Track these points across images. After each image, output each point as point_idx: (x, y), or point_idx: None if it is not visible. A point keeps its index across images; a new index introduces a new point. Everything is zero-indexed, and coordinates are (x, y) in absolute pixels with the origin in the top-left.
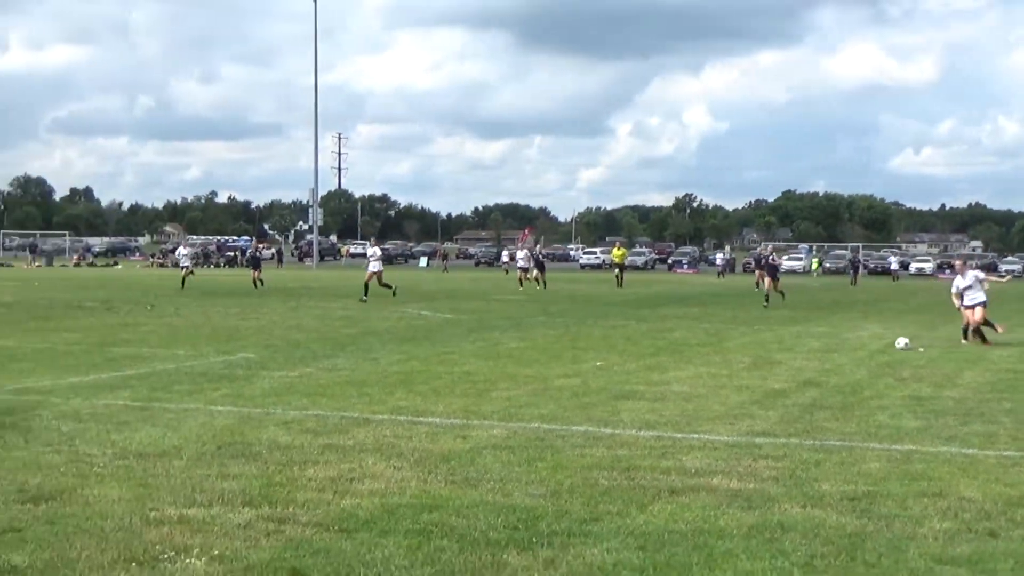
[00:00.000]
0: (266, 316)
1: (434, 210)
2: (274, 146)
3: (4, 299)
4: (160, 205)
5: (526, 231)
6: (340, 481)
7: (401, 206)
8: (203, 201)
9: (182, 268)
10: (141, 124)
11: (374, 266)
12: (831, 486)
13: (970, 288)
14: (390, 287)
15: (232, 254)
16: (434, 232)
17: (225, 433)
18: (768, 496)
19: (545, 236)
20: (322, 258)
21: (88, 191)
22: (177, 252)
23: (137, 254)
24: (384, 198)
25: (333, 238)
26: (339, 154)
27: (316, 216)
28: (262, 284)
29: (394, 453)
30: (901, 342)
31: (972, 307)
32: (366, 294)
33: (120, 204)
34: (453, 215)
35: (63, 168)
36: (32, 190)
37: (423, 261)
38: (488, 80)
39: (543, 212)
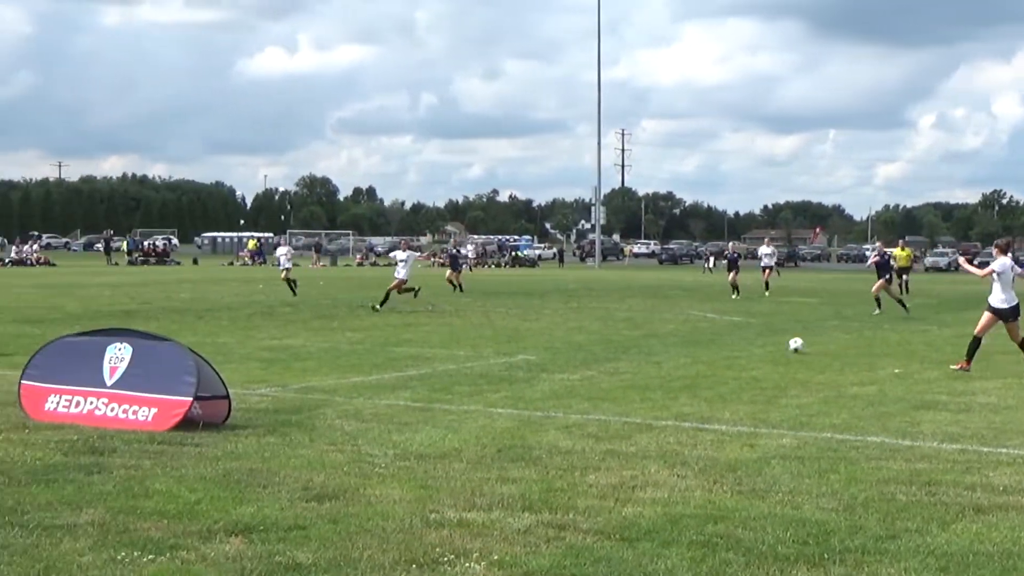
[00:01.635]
0: (547, 317)
1: (720, 208)
2: (556, 143)
3: (289, 299)
4: (442, 204)
5: (817, 230)
6: (622, 488)
7: (686, 204)
8: (484, 200)
9: (282, 270)
10: (424, 122)
11: (401, 272)
12: None
13: (1001, 276)
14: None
15: (515, 253)
16: (720, 231)
17: (505, 436)
18: None
19: (839, 235)
20: (604, 258)
21: (371, 190)
22: (277, 252)
23: (419, 253)
24: (669, 196)
25: (616, 237)
26: (622, 151)
27: (598, 214)
28: (460, 289)
29: (678, 461)
30: (795, 343)
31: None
32: (382, 303)
33: (402, 203)
34: (741, 213)
35: (348, 167)
36: (317, 189)
37: (710, 261)
38: (779, 72)
39: (837, 210)
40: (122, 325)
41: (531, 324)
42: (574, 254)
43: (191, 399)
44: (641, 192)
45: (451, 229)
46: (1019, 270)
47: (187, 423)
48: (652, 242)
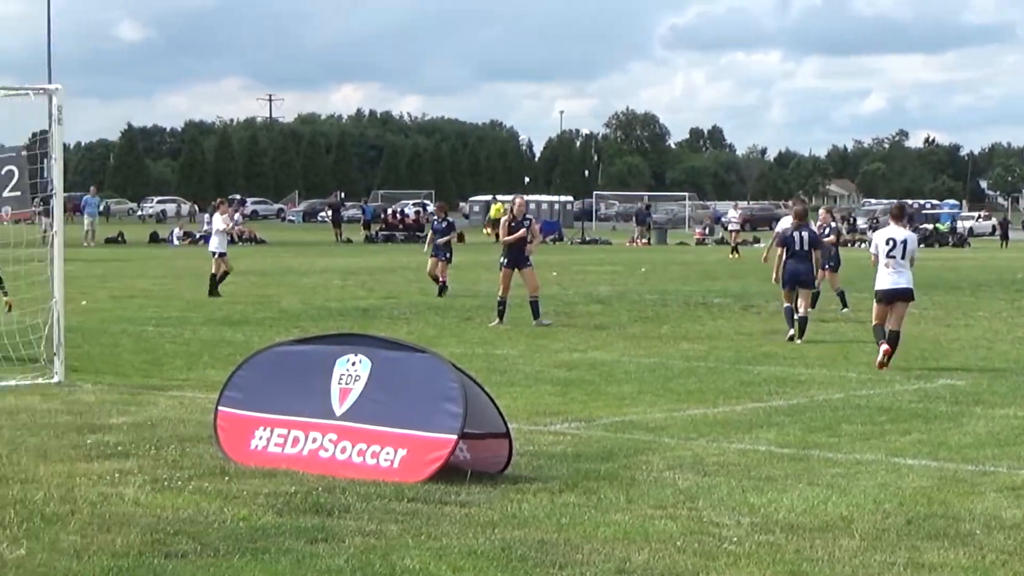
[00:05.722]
0: (982, 322)
1: None
2: (998, 60)
3: (598, 291)
4: (822, 152)
5: None
6: None
7: None
8: (886, 146)
9: (215, 255)
10: (798, 32)
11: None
12: None
13: None
14: None
15: (931, 227)
16: None
17: (918, 500)
18: None
19: None
20: None
21: (716, 133)
22: (208, 223)
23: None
24: None
25: None
26: None
27: None
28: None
29: None
30: None
31: None
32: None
33: (763, 151)
34: None
35: (683, 100)
36: (637, 132)
37: None
38: None
39: None
40: (358, 328)
41: (958, 332)
42: None
43: (455, 437)
44: None
45: (836, 190)
46: None
47: (449, 471)
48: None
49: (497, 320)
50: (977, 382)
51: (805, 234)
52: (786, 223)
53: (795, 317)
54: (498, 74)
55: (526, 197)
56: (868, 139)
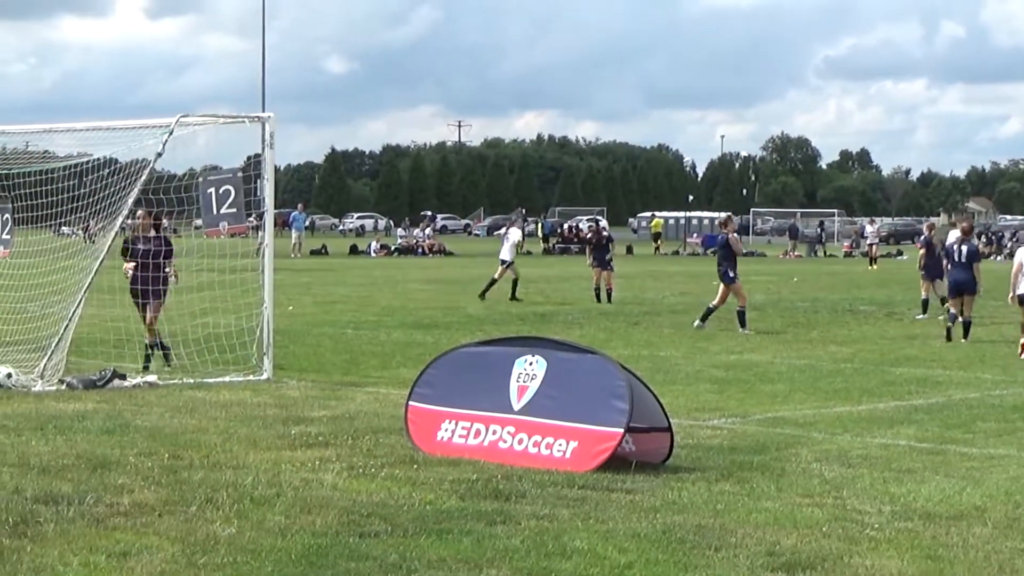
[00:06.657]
0: None
1: None
2: None
3: (754, 299)
4: (962, 172)
5: None
6: None
7: None
8: (1021, 166)
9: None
10: (943, 61)
11: None
12: None
13: None
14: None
15: None
16: None
17: None
18: None
19: None
20: None
21: (864, 155)
22: (507, 234)
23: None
24: None
25: None
26: None
27: None
28: (608, 299)
29: None
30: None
31: None
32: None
33: (907, 172)
34: None
35: (835, 124)
36: (791, 154)
37: None
38: None
39: None
40: (534, 332)
41: None
42: None
43: (622, 431)
44: None
45: (974, 207)
46: None
47: (616, 462)
48: None
49: (745, 328)
50: None
51: (965, 247)
52: (954, 236)
53: (959, 320)
54: (665, 101)
55: (688, 213)
56: (1005, 160)
